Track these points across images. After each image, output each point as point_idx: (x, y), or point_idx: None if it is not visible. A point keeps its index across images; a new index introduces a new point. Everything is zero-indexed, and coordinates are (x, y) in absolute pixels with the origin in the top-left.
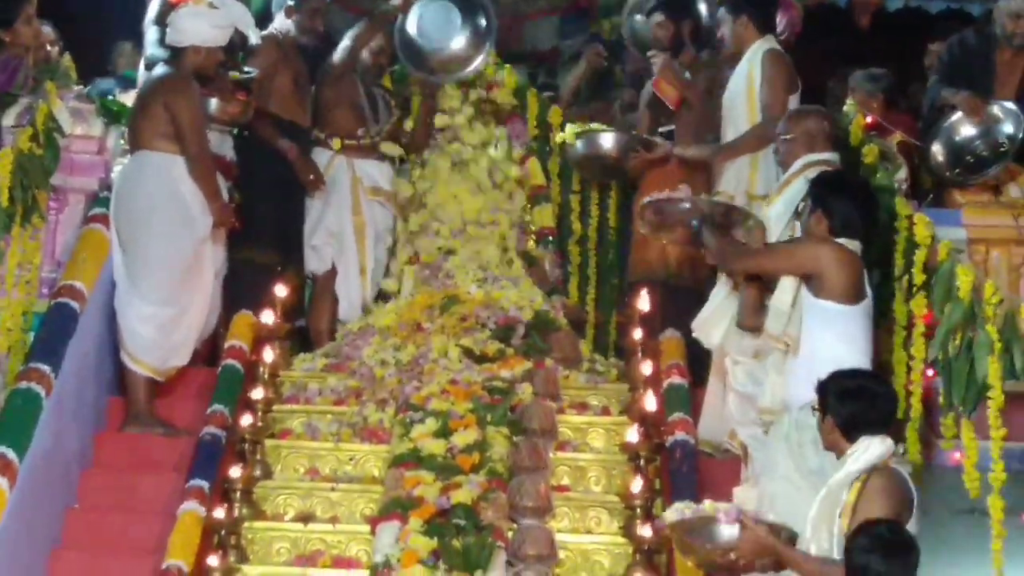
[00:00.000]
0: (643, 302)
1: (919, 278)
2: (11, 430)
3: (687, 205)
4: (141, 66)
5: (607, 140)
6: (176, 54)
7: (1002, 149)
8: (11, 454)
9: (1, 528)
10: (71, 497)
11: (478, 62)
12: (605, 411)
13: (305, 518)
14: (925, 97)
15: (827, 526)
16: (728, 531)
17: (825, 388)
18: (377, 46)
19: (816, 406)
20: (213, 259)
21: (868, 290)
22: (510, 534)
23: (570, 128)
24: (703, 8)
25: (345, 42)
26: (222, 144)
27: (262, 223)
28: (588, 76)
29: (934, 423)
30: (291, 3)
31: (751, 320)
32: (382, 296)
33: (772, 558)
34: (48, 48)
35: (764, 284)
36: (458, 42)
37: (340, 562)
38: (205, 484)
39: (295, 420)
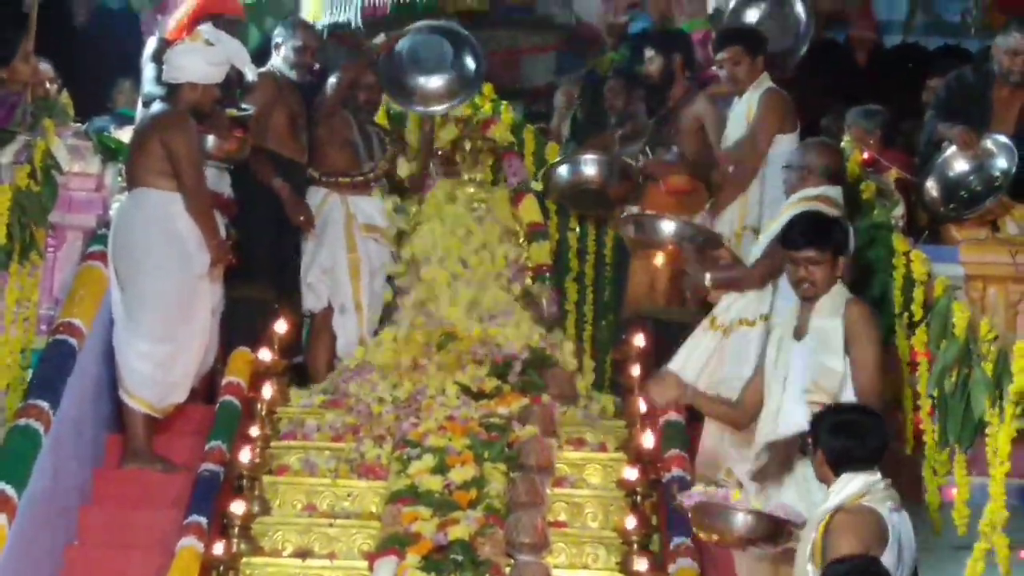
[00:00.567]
0: (639, 339)
1: (918, 314)
2: (10, 467)
3: (669, 224)
4: (139, 103)
5: (590, 166)
6: (172, 91)
7: (996, 184)
8: (10, 491)
9: (0, 565)
10: (71, 534)
11: (459, 100)
12: (602, 447)
13: (303, 554)
14: (922, 133)
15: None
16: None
17: (819, 421)
18: (367, 83)
19: (810, 439)
20: (211, 296)
21: None
22: (507, 570)
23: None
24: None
25: (331, 79)
26: (219, 181)
27: (259, 260)
28: (573, 111)
29: None
30: (279, 40)
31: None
32: (386, 310)
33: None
34: (46, 85)
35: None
36: (444, 78)
37: None
38: (203, 520)
39: (293, 456)
